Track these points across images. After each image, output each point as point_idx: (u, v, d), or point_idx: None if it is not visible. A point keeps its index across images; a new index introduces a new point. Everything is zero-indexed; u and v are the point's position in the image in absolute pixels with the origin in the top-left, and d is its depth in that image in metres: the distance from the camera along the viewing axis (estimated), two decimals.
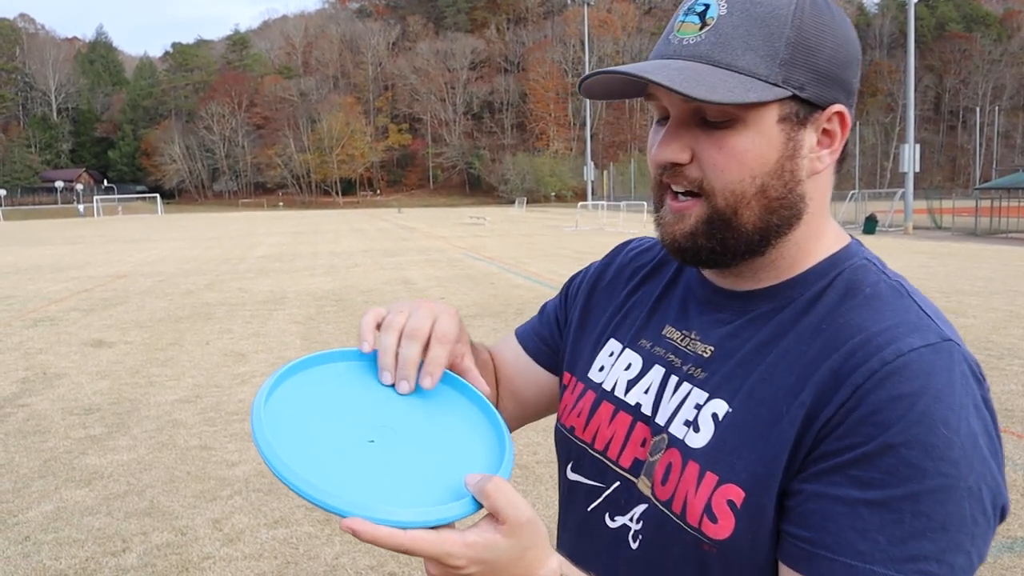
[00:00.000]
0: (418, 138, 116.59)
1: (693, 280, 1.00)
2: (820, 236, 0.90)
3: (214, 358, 8.42)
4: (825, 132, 0.85)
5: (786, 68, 0.80)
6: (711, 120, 0.82)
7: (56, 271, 18.47)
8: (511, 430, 1.23)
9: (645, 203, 40.23)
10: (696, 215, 0.85)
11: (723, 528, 0.81)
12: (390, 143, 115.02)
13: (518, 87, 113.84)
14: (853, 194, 36.48)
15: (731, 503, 0.80)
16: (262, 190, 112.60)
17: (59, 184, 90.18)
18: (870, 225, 29.44)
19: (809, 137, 0.84)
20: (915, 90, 31.47)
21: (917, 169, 30.48)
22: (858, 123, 64.59)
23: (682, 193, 0.86)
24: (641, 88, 0.86)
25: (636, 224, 32.76)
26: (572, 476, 1.03)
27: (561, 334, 1.16)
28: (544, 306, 1.22)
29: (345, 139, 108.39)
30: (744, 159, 0.82)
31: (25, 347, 9.23)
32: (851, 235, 0.94)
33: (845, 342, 0.79)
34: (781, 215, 0.85)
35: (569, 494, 1.05)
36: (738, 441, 0.82)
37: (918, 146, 30.84)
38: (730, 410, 0.85)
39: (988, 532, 0.74)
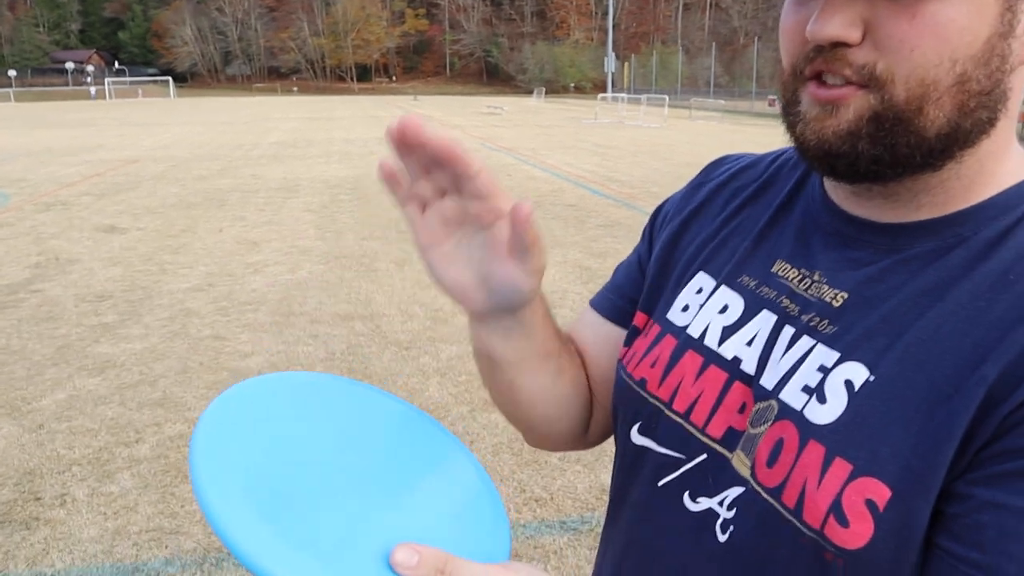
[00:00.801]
0: (435, 24, 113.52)
1: (816, 205, 0.76)
2: (1005, 155, 0.67)
3: (227, 246, 8.31)
4: None
5: None
6: None
7: (67, 155, 18.26)
8: (601, 438, 1.00)
9: (667, 97, 39.37)
10: (858, 108, 0.62)
11: (857, 535, 0.60)
12: (406, 28, 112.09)
13: None
14: None
15: (871, 503, 0.60)
16: (276, 75, 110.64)
17: (70, 65, 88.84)
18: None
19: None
20: None
21: None
22: None
23: (837, 84, 0.63)
24: None
25: (657, 118, 32.02)
26: (639, 440, 0.80)
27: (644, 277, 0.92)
28: (632, 253, 0.97)
29: (360, 23, 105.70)
30: (946, 34, 0.59)
31: (37, 232, 9.14)
32: None
33: None
34: (976, 117, 0.62)
35: (633, 461, 0.82)
36: (884, 421, 0.61)
37: None
38: (872, 378, 0.63)
39: None
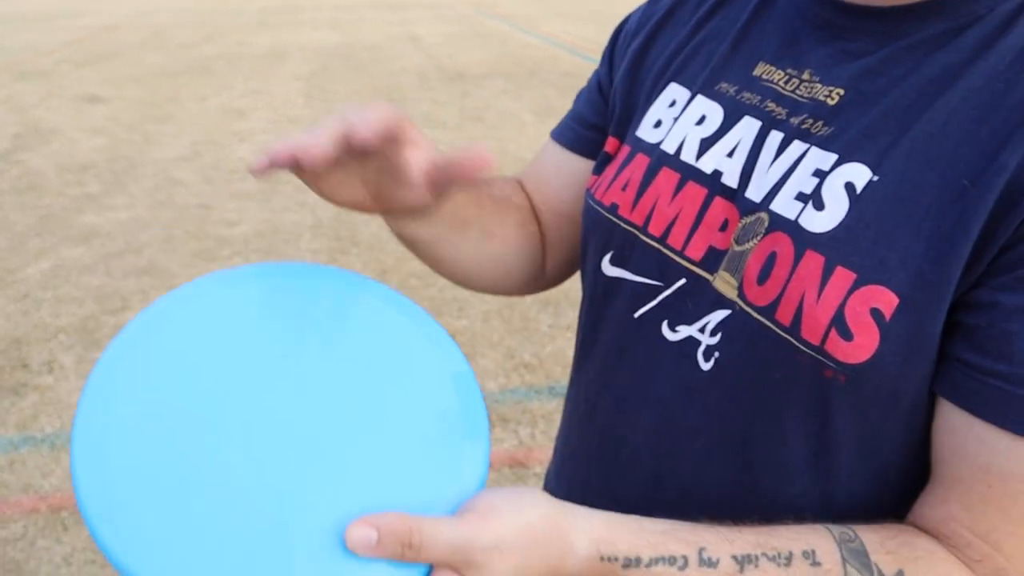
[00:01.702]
0: None
1: None
2: None
3: (213, 115, 8.08)
4: None
5: None
6: None
7: (44, 20, 17.57)
8: (562, 278, 0.93)
9: None
10: None
11: (861, 348, 0.55)
12: None
13: None
14: None
15: (876, 312, 0.55)
16: None
17: None
18: None
19: None
20: None
21: None
22: None
23: None
24: None
25: None
26: (612, 271, 0.74)
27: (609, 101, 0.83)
28: (592, 77, 0.87)
29: None
30: None
31: (15, 100, 8.86)
32: None
33: None
34: None
35: (604, 295, 0.76)
36: (890, 223, 0.56)
37: None
38: (875, 178, 0.57)
39: None
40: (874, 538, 0.56)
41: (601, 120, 0.83)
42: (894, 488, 0.62)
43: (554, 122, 0.89)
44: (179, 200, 5.45)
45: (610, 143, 0.80)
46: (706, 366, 0.66)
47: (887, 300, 0.55)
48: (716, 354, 0.65)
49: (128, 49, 12.99)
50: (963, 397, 0.54)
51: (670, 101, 0.73)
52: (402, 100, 8.85)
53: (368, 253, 4.52)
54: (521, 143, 6.98)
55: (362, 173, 0.68)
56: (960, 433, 0.54)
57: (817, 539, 0.56)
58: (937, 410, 0.56)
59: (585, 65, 11.11)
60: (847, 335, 0.56)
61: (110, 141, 7.04)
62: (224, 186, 5.74)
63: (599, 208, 0.76)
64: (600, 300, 0.77)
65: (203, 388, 0.51)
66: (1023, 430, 0.51)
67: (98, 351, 3.48)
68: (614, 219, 0.74)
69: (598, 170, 0.80)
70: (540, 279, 0.93)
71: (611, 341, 0.75)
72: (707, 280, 0.66)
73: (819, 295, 0.57)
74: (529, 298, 3.93)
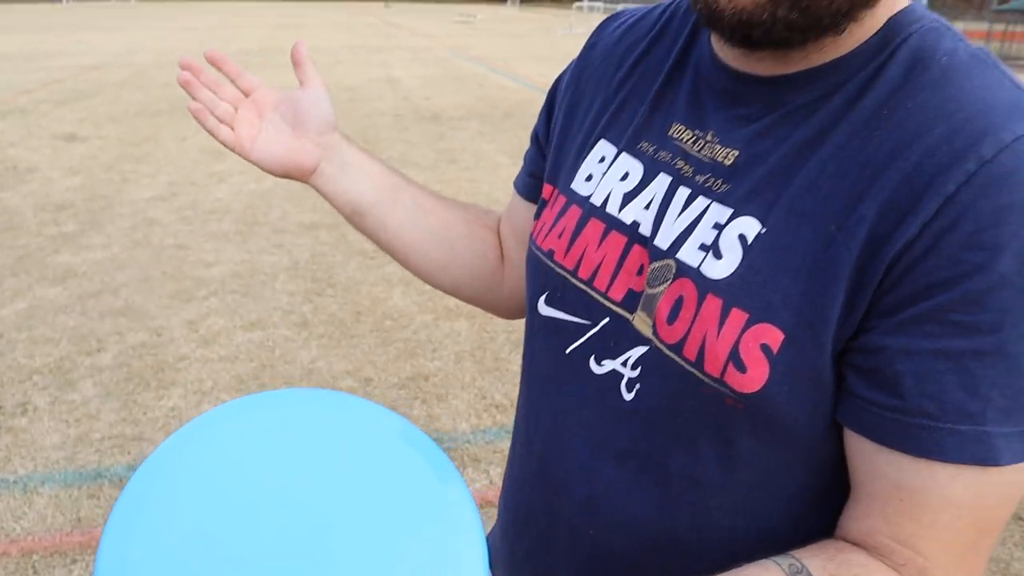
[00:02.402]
0: None
1: (705, 62, 0.76)
2: (892, 5, 0.67)
3: (191, 155, 8.15)
4: None
5: None
6: None
7: (25, 60, 17.61)
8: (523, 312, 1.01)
9: (642, 7, 38.14)
10: None
11: (754, 379, 0.64)
12: None
13: None
14: None
15: (765, 347, 0.63)
16: None
17: None
18: None
19: None
20: None
21: None
22: None
23: None
24: None
25: None
26: (546, 311, 0.83)
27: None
28: (532, 131, 0.99)
29: None
30: None
31: None
32: None
33: (919, 135, 0.60)
34: None
35: (541, 332, 0.84)
36: (775, 270, 0.64)
37: None
38: (763, 230, 0.65)
39: None
40: (817, 563, 0.64)
41: (541, 170, 0.94)
42: (810, 505, 0.71)
43: None
44: (156, 240, 5.49)
45: (546, 189, 0.89)
46: (629, 396, 0.74)
47: (774, 336, 0.63)
48: (637, 386, 0.73)
49: (108, 88, 13.06)
50: (869, 429, 0.62)
51: (600, 157, 0.82)
52: (378, 141, 8.96)
53: (344, 295, 4.59)
54: (495, 184, 7.11)
55: (276, 128, 0.93)
56: (871, 458, 0.63)
57: None
58: (849, 439, 0.65)
59: None
60: (742, 368, 0.64)
61: (87, 180, 7.08)
62: (201, 227, 5.80)
63: (539, 253, 0.84)
64: (538, 337, 0.86)
65: (221, 518, 0.56)
66: (922, 453, 0.59)
67: (73, 392, 3.51)
68: (550, 263, 0.82)
69: (538, 215, 0.89)
70: (497, 291, 1.04)
71: (547, 374, 0.84)
72: (627, 319, 0.74)
73: (718, 333, 0.65)
74: (501, 338, 4.01)
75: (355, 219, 0.98)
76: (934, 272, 0.57)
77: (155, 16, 41.78)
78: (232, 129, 0.91)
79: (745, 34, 0.65)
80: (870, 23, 0.66)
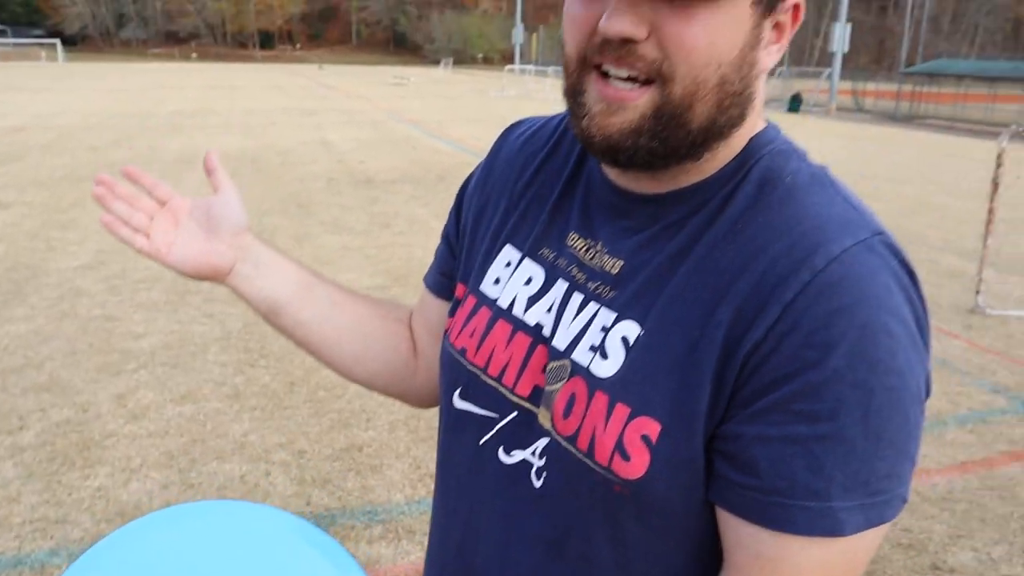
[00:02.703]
0: None
1: (596, 179, 0.85)
2: (749, 135, 0.78)
3: None
4: (777, 25, 0.75)
5: None
6: None
7: None
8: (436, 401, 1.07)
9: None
10: (643, 107, 0.70)
11: (636, 466, 0.72)
12: None
13: None
14: (781, 71, 36.46)
15: (645, 438, 0.71)
16: (174, 40, 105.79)
17: None
18: (794, 104, 29.58)
19: (768, 29, 0.74)
20: None
21: (846, 49, 30.54)
22: None
23: (622, 80, 0.71)
24: None
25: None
26: (460, 404, 0.89)
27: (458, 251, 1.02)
28: (443, 231, 1.07)
29: None
30: (716, 40, 0.68)
31: None
32: (767, 120, 0.82)
33: (765, 248, 0.70)
34: (730, 114, 0.73)
35: (456, 425, 0.91)
36: (652, 369, 0.73)
37: (849, 26, 30.77)
38: (642, 333, 0.74)
39: (923, 422, 0.72)
40: None
41: (451, 269, 1.01)
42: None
43: None
44: (83, 311, 5.39)
45: (459, 289, 0.96)
46: (538, 484, 0.81)
47: (653, 428, 0.71)
48: (544, 474, 0.80)
49: (33, 152, 12.82)
50: (733, 506, 0.70)
51: (506, 262, 0.90)
52: (311, 205, 8.98)
53: (277, 365, 4.56)
54: (428, 248, 7.11)
55: (190, 233, 0.98)
56: (736, 531, 0.71)
57: None
58: (719, 515, 0.73)
59: None
60: (626, 457, 0.72)
61: (10, 249, 6.92)
62: (130, 296, 5.71)
63: (452, 351, 0.91)
64: (452, 429, 0.92)
65: None
66: (777, 527, 0.68)
67: None
68: (463, 361, 0.89)
69: (452, 312, 0.97)
70: (410, 381, 1.10)
71: (462, 464, 0.90)
72: (534, 413, 0.82)
73: (605, 426, 0.74)
74: (434, 409, 4.03)
75: (271, 317, 1.02)
76: (778, 368, 0.67)
77: (84, 76, 41.23)
78: (148, 237, 0.96)
79: (613, 157, 0.75)
80: (728, 149, 0.77)
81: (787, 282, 0.68)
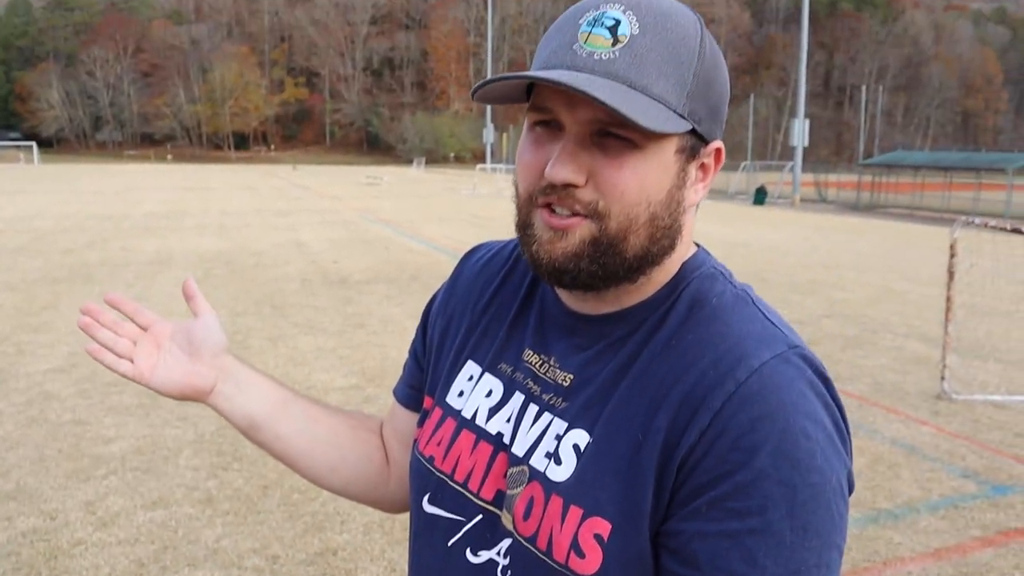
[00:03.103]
0: (315, 93, 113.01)
1: (548, 299, 0.96)
2: (680, 260, 0.89)
3: None
4: (702, 166, 0.86)
5: (691, 100, 0.80)
6: (613, 141, 0.78)
7: None
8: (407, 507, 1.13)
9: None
10: (581, 235, 0.81)
11: (591, 563, 0.78)
12: (286, 97, 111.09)
13: (419, 44, 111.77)
14: (745, 165, 37.60)
15: (598, 536, 0.78)
16: (149, 142, 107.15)
17: None
18: (760, 196, 30.45)
19: (693, 170, 0.85)
20: (807, 66, 32.52)
21: (806, 143, 31.66)
22: (752, 95, 66.39)
23: (564, 214, 0.81)
24: (526, 97, 0.84)
25: None
26: (429, 509, 0.97)
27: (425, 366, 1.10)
28: (411, 346, 1.16)
29: (239, 91, 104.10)
30: (644, 183, 0.79)
31: None
32: (697, 245, 0.93)
33: (695, 361, 0.79)
34: (661, 244, 0.84)
35: (425, 528, 0.98)
36: (600, 472, 0.80)
37: (808, 121, 31.99)
38: (591, 440, 0.83)
39: (847, 514, 0.78)
40: None
41: (419, 382, 1.09)
42: None
43: None
44: (52, 416, 5.34)
45: (427, 401, 1.04)
46: None
47: (604, 527, 0.78)
48: (509, 572, 0.87)
49: (5, 254, 12.81)
50: None
51: (468, 376, 0.98)
52: (284, 306, 9.02)
53: (251, 468, 4.53)
54: (402, 348, 7.17)
55: (173, 357, 1.02)
56: None
57: None
58: None
59: None
60: (581, 554, 0.79)
61: None
62: (101, 400, 5.67)
63: (421, 459, 0.99)
64: (422, 533, 0.98)
65: None
66: None
67: None
68: (431, 468, 0.97)
69: (420, 422, 1.04)
70: (384, 488, 1.16)
71: (433, 567, 0.96)
72: (498, 515, 0.88)
73: (561, 527, 0.80)
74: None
75: (251, 432, 1.08)
76: (711, 470, 0.74)
77: (58, 179, 41.48)
78: (132, 362, 1.01)
79: (559, 279, 0.84)
80: (663, 273, 0.87)
81: (714, 392, 0.76)
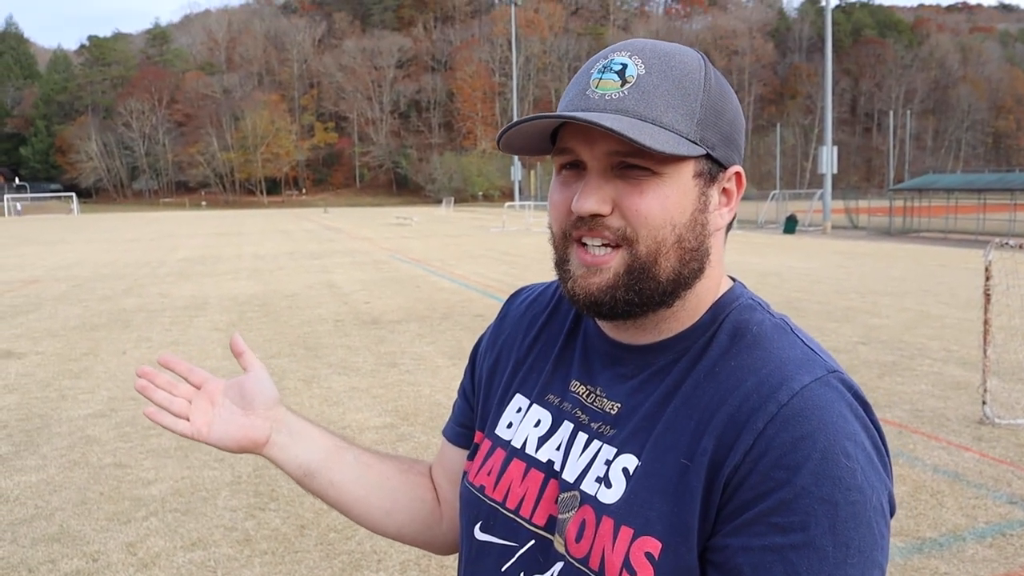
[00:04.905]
0: (344, 136, 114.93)
1: (592, 332, 1.00)
2: (715, 287, 0.94)
3: (131, 368, 8.13)
4: (724, 191, 0.91)
5: (701, 128, 0.85)
6: (633, 172, 0.84)
7: None
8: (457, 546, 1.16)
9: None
10: (616, 266, 0.86)
11: None
12: (316, 142, 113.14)
13: (445, 86, 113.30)
14: (774, 194, 37.41)
15: (649, 555, 0.81)
16: (184, 189, 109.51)
17: None
18: (791, 225, 30.24)
19: (714, 194, 0.89)
20: (832, 93, 32.50)
21: (835, 170, 31.52)
22: (779, 124, 66.26)
23: (597, 246, 0.87)
24: (550, 145, 0.90)
25: None
26: (481, 536, 1.00)
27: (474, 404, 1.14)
28: (460, 387, 1.20)
29: (270, 137, 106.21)
30: (666, 205, 0.84)
31: None
32: (733, 278, 0.98)
33: (738, 385, 0.83)
34: (691, 267, 0.88)
35: (478, 556, 1.01)
36: (650, 493, 0.84)
37: (836, 148, 31.89)
38: (640, 463, 0.86)
39: (889, 534, 0.81)
40: None
41: (469, 420, 1.13)
42: None
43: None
44: (94, 460, 5.42)
45: (477, 435, 1.08)
46: None
47: (654, 546, 0.81)
48: None
49: (47, 303, 13.10)
50: None
51: (517, 408, 1.03)
52: (319, 348, 9.10)
53: (288, 508, 4.56)
54: (436, 386, 7.23)
55: (228, 412, 1.06)
56: None
57: None
58: None
59: (495, 306, 11.66)
60: (633, 573, 0.82)
61: (23, 399, 7.01)
62: (140, 443, 5.75)
63: (472, 489, 1.02)
64: (475, 560, 1.01)
65: None
66: None
67: None
68: (482, 497, 1.00)
69: (471, 456, 1.08)
70: (436, 529, 1.18)
71: None
72: (550, 540, 0.92)
73: (613, 547, 0.83)
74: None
75: (306, 480, 1.11)
76: (755, 487, 0.78)
77: (97, 228, 42.42)
78: (188, 420, 1.05)
79: (597, 311, 0.89)
80: (699, 304, 0.92)
81: (758, 414, 0.80)
